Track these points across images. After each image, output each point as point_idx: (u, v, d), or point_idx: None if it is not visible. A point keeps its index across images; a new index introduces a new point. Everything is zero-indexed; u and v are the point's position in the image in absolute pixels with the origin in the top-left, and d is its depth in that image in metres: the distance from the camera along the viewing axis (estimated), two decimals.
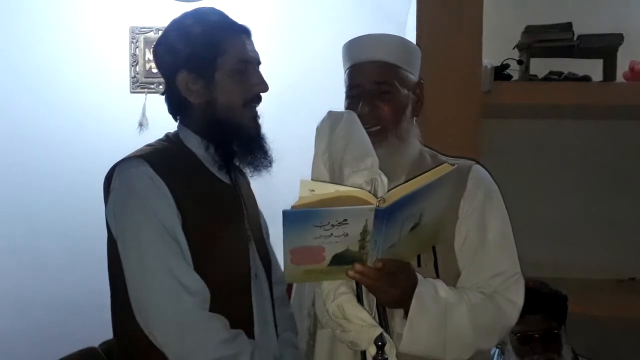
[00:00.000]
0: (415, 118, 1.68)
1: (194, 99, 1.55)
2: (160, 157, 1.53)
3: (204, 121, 1.56)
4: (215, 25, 1.55)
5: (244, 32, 1.58)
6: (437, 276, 1.53)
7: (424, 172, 1.36)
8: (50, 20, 3.18)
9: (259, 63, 1.61)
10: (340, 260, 1.30)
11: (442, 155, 1.71)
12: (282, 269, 1.70)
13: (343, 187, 1.33)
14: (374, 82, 1.61)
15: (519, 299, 1.58)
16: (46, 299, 3.13)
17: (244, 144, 1.57)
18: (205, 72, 1.53)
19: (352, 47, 1.67)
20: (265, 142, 1.61)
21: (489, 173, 1.68)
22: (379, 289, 1.38)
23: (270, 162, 1.62)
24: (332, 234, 1.24)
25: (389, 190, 1.35)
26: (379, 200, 1.25)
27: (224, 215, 1.57)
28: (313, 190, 1.25)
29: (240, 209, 1.62)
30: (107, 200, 1.53)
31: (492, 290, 1.54)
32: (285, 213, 1.21)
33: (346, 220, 1.22)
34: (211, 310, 1.47)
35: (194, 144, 1.58)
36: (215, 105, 1.54)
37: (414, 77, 1.67)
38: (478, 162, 1.70)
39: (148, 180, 1.47)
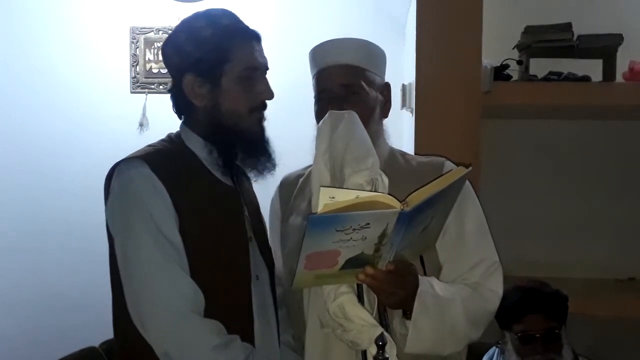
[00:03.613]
0: (384, 119, 1.71)
1: (198, 102, 1.54)
2: (160, 157, 1.52)
3: (208, 125, 1.55)
4: (226, 30, 1.53)
5: (255, 37, 1.57)
6: (424, 271, 1.56)
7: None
8: (51, 20, 3.18)
9: (267, 69, 1.60)
10: (352, 263, 1.29)
11: (409, 155, 1.75)
12: (281, 272, 1.71)
13: (364, 192, 1.32)
14: (342, 84, 1.63)
15: (499, 288, 1.61)
16: (46, 298, 3.13)
17: (247, 148, 1.57)
18: (212, 77, 1.52)
19: (319, 52, 1.70)
20: (269, 146, 1.61)
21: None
22: (387, 291, 1.39)
23: (274, 166, 1.61)
24: (351, 238, 1.23)
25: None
26: (403, 204, 1.25)
27: (222, 217, 1.56)
28: (333, 197, 1.24)
29: (240, 211, 1.60)
30: (107, 200, 1.52)
31: (475, 281, 1.58)
32: (311, 219, 1.19)
33: (368, 224, 1.22)
34: (210, 311, 1.46)
35: (196, 145, 1.57)
36: (220, 110, 1.53)
37: (380, 79, 1.70)
38: (455, 160, 1.71)
39: (146, 181, 1.46)
